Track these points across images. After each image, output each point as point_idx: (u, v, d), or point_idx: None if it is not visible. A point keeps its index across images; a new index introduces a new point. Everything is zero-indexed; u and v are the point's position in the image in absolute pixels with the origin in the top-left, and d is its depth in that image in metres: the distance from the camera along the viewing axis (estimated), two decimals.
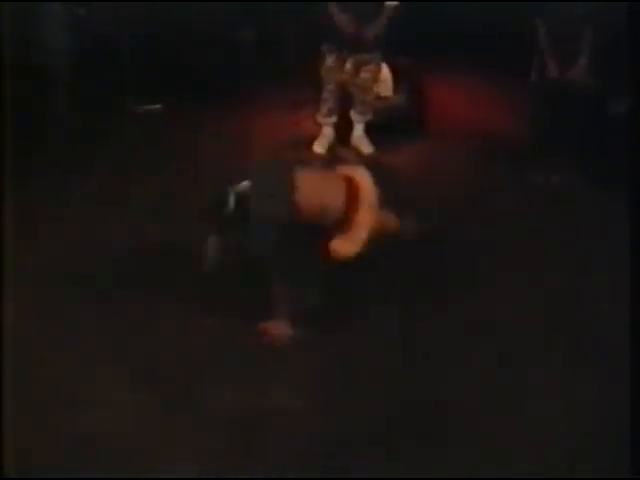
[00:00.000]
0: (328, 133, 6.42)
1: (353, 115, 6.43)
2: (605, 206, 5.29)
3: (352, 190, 4.09)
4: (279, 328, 4.03)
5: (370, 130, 6.43)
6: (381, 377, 3.82)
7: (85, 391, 3.67)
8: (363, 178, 4.17)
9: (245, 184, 4.03)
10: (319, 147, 6.39)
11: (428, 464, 3.31)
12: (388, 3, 6.05)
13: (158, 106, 7.14)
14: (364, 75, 6.27)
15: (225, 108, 7.10)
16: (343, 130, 6.44)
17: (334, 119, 6.40)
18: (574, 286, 4.52)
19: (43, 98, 6.36)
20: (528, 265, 4.73)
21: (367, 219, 4.10)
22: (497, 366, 3.87)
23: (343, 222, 4.08)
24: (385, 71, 6.64)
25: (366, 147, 6.40)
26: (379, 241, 4.11)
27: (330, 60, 6.19)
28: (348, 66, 6.22)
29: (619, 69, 5.38)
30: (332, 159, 6.13)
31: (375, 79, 6.41)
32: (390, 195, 4.23)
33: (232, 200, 4.00)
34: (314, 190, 4.04)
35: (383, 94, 6.67)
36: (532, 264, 4.74)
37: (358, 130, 6.45)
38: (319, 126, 6.46)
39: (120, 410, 3.56)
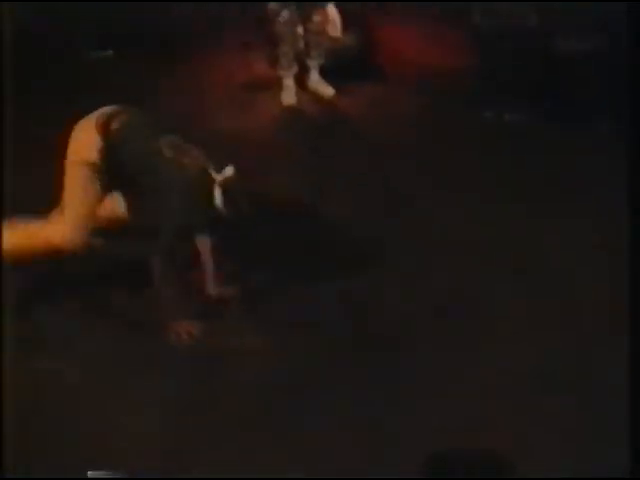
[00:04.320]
0: (290, 84, 6.46)
1: (309, 60, 6.50)
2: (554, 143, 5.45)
3: None
4: (184, 327, 3.98)
5: (322, 73, 6.50)
6: None
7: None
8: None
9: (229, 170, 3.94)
10: (289, 99, 6.42)
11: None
12: None
13: (110, 52, 7.09)
14: (316, 18, 6.35)
15: (176, 54, 7.06)
16: (298, 76, 6.49)
17: (295, 69, 6.45)
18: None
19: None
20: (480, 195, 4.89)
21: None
22: None
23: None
24: (333, 12, 6.64)
25: (326, 89, 6.48)
26: None
27: (284, 15, 6.22)
28: (298, 14, 6.29)
29: (568, 8, 5.51)
30: None
31: (326, 21, 6.44)
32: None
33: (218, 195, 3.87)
34: None
35: (332, 35, 6.68)
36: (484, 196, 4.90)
37: (314, 74, 6.53)
38: (273, 73, 6.51)
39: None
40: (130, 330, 4.02)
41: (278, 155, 5.57)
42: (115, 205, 4.12)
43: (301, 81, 6.53)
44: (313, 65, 6.51)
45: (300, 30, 6.38)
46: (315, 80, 6.52)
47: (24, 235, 4.00)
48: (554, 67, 5.75)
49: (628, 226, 3.26)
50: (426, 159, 5.42)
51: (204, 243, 4.15)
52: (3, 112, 4.51)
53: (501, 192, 5.01)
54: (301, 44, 6.43)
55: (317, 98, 6.46)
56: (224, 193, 3.83)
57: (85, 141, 3.95)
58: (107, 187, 3.99)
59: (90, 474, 3.21)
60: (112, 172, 3.94)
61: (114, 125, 3.94)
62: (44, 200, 4.19)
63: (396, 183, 5.15)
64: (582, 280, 4.25)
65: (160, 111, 5.86)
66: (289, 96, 6.43)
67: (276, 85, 6.50)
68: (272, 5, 6.25)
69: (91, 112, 4.01)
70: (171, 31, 7.10)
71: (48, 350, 3.91)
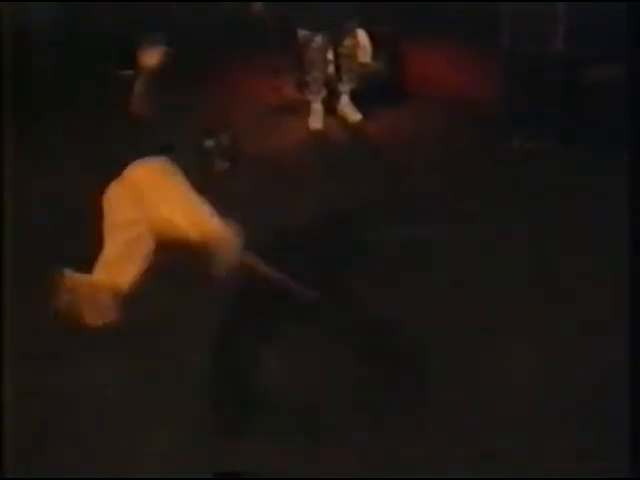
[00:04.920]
0: (318, 108, 6.48)
1: (340, 85, 6.52)
2: (584, 170, 5.40)
3: None
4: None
5: (352, 98, 6.53)
6: None
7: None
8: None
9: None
10: (316, 123, 6.43)
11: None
12: None
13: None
14: (348, 42, 6.37)
15: (206, 74, 7.10)
16: (327, 101, 6.54)
17: (323, 94, 6.48)
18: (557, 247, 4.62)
19: (26, 65, 6.36)
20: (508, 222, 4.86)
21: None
22: None
23: None
24: (363, 37, 6.69)
25: (354, 115, 6.49)
26: None
27: (317, 41, 6.24)
28: (329, 39, 6.31)
29: (595, 37, 5.48)
30: None
31: (357, 45, 6.47)
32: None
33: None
34: None
35: (362, 60, 6.70)
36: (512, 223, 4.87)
37: (345, 99, 6.55)
38: (302, 96, 6.55)
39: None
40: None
41: (303, 178, 5.56)
42: None
43: (329, 105, 6.54)
44: (344, 90, 6.53)
45: (330, 55, 6.40)
46: (345, 104, 6.54)
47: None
48: (581, 93, 5.72)
49: None
50: (453, 183, 5.39)
51: None
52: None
53: (528, 215, 4.99)
54: (331, 69, 6.44)
55: (345, 123, 6.47)
56: None
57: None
58: None
59: None
60: None
61: None
62: None
63: (422, 206, 5.13)
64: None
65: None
66: (316, 120, 6.44)
67: (304, 109, 6.53)
68: (304, 32, 6.26)
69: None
70: (202, 51, 7.13)
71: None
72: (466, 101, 6.58)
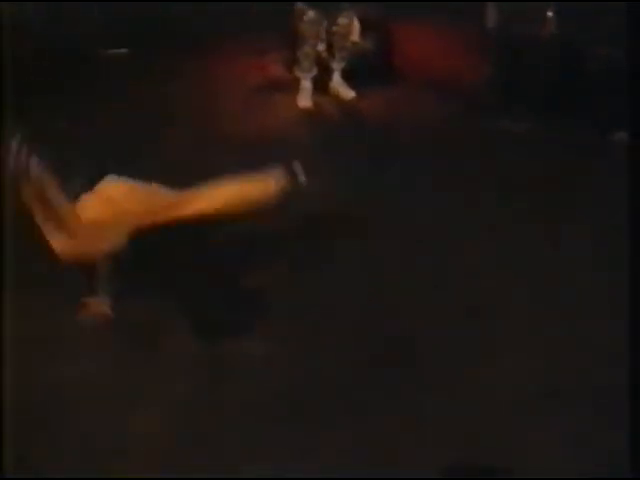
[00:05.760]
0: (308, 86, 6.42)
1: (333, 63, 6.48)
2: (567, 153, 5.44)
3: None
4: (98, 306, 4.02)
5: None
6: None
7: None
8: None
9: None
10: (305, 101, 6.38)
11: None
12: None
13: (124, 50, 7.09)
14: (342, 20, 6.34)
15: (192, 54, 7.06)
16: (319, 79, 6.48)
17: (314, 72, 6.42)
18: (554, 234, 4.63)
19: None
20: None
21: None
22: None
23: None
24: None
25: (347, 92, 6.46)
26: None
27: (310, 14, 6.21)
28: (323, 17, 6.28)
29: (584, 17, 5.48)
30: None
31: (351, 25, 6.44)
32: None
33: None
34: None
35: (353, 39, 6.68)
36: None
37: (337, 77, 6.51)
38: (291, 75, 6.52)
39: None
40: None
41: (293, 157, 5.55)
42: None
43: (320, 84, 6.49)
44: (336, 67, 6.49)
45: (322, 33, 6.36)
46: (337, 82, 6.50)
47: None
48: (570, 75, 5.73)
49: None
50: (441, 161, 5.40)
51: None
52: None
53: (513, 197, 5.02)
54: (321, 47, 6.41)
55: (338, 101, 6.44)
56: None
57: None
58: None
59: None
60: None
61: None
62: None
63: (411, 184, 5.13)
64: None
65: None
66: (305, 98, 6.40)
67: (292, 87, 6.48)
68: (299, 5, 6.24)
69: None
70: (187, 30, 7.10)
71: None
72: (453, 81, 6.56)
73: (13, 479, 3.14)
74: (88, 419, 3.51)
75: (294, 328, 3.98)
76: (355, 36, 6.69)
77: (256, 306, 4.11)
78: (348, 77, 6.48)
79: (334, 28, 6.34)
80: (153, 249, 3.97)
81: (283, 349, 3.85)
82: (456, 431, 3.39)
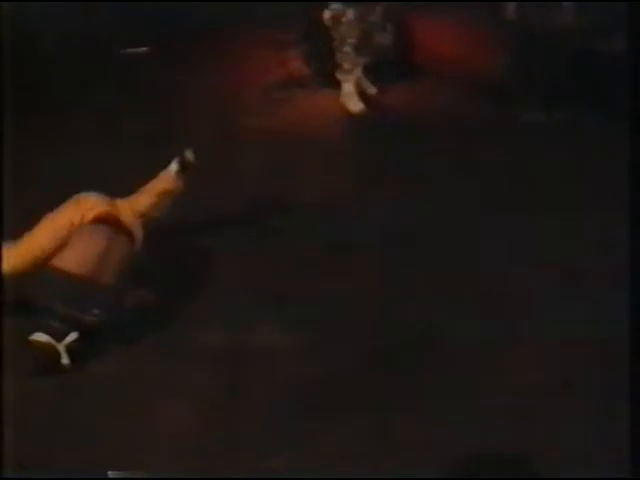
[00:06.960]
0: (351, 89, 6.22)
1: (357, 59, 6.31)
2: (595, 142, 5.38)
3: None
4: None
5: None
6: None
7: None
8: None
9: None
10: (355, 105, 6.19)
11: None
12: None
13: (144, 49, 7.11)
14: (372, 19, 6.24)
15: (211, 50, 7.06)
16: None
17: (358, 73, 6.27)
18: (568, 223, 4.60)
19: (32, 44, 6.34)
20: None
21: None
22: None
23: None
24: None
25: (369, 88, 6.37)
26: None
27: (349, 15, 6.07)
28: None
29: (602, 6, 5.45)
30: None
31: (378, 22, 6.34)
32: None
33: None
34: None
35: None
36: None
37: (359, 72, 6.35)
38: (308, 70, 6.46)
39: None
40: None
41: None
42: None
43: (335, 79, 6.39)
44: (359, 64, 6.32)
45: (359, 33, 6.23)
46: (359, 77, 6.35)
47: None
48: (588, 64, 5.70)
49: None
50: (462, 154, 5.39)
51: None
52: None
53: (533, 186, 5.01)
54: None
55: (360, 96, 6.27)
56: None
57: None
58: None
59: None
60: None
61: None
62: None
63: (431, 177, 5.13)
64: None
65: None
66: (355, 103, 6.18)
67: (310, 83, 6.44)
68: (335, 6, 6.11)
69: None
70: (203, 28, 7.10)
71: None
72: (472, 73, 6.54)
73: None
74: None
75: (311, 321, 3.98)
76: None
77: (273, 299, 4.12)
78: (369, 72, 6.40)
79: (362, 26, 6.18)
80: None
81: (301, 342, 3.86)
82: (471, 424, 3.41)
